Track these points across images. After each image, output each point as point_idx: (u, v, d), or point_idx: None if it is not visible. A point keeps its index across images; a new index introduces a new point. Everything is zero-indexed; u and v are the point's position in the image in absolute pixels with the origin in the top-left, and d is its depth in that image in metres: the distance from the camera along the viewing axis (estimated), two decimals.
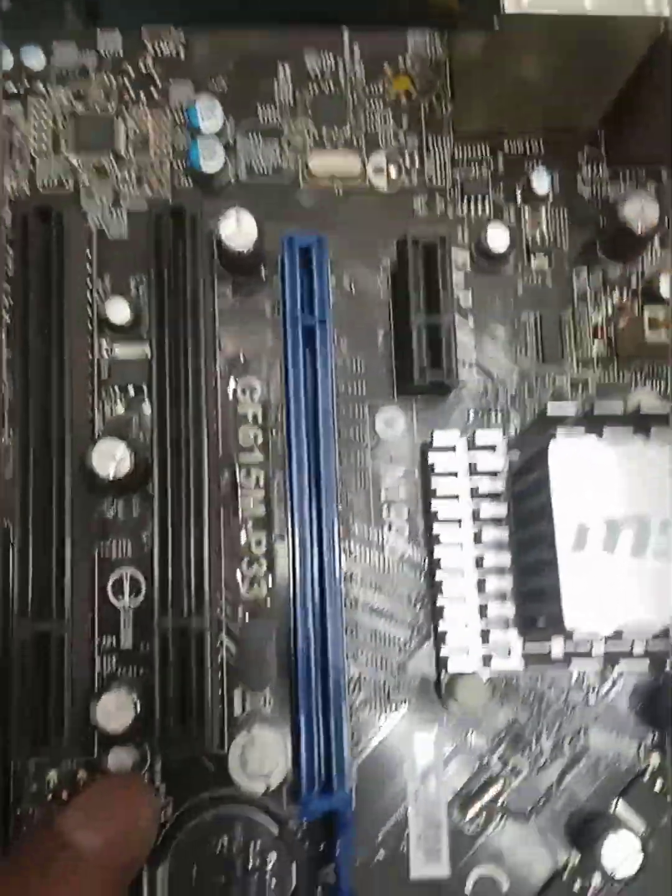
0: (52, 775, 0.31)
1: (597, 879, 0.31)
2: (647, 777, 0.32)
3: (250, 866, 0.30)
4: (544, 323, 0.35)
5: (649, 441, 0.27)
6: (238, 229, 0.32)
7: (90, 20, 0.38)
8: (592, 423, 0.27)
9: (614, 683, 0.33)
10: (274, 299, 0.35)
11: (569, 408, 0.28)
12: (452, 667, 0.31)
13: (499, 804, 0.32)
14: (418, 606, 0.33)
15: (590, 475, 0.27)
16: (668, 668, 0.32)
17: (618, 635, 0.27)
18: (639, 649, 0.30)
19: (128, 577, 0.33)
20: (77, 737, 0.30)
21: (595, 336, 0.35)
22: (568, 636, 0.26)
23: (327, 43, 0.36)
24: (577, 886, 0.31)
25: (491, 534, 0.31)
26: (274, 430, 0.34)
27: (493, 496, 0.32)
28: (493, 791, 0.32)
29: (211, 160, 0.34)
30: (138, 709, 0.30)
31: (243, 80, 0.36)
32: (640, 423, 0.28)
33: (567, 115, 0.36)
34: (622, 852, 0.30)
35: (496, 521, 0.32)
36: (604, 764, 0.32)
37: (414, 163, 0.36)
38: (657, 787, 0.32)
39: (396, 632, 0.33)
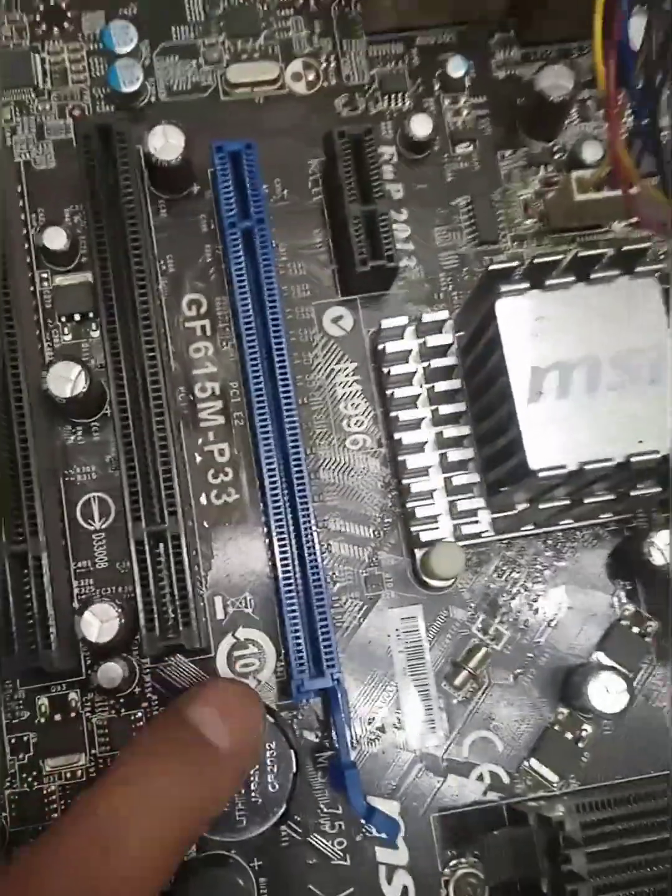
0: (44, 701, 0.32)
1: (588, 729, 0.33)
2: (624, 623, 0.33)
3: None
4: (476, 206, 0.36)
5: (590, 284, 0.28)
6: (165, 142, 0.33)
7: None
8: (533, 275, 0.28)
9: (582, 540, 0.34)
10: (209, 213, 0.35)
11: (509, 263, 0.29)
12: (425, 536, 0.32)
13: (484, 671, 0.33)
14: (386, 491, 0.34)
15: (537, 325, 0.28)
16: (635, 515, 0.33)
17: (581, 475, 0.28)
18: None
19: (96, 500, 0.33)
20: (66, 657, 0.30)
21: (526, 213, 0.36)
22: (534, 478, 0.27)
23: None
24: (569, 735, 0.32)
25: (447, 409, 0.32)
26: (224, 341, 0.34)
27: (446, 372, 0.32)
28: (476, 659, 0.33)
29: (130, 81, 0.34)
30: (122, 619, 0.30)
31: (153, 3, 0.36)
32: (580, 268, 0.28)
33: (474, 4, 0.36)
34: (608, 692, 0.31)
35: (451, 394, 0.32)
36: (580, 619, 0.33)
37: (330, 65, 0.36)
38: (634, 632, 0.33)
39: (367, 518, 0.34)
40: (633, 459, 0.27)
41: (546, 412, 0.28)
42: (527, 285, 0.29)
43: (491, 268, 0.29)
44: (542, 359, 0.28)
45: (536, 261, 0.29)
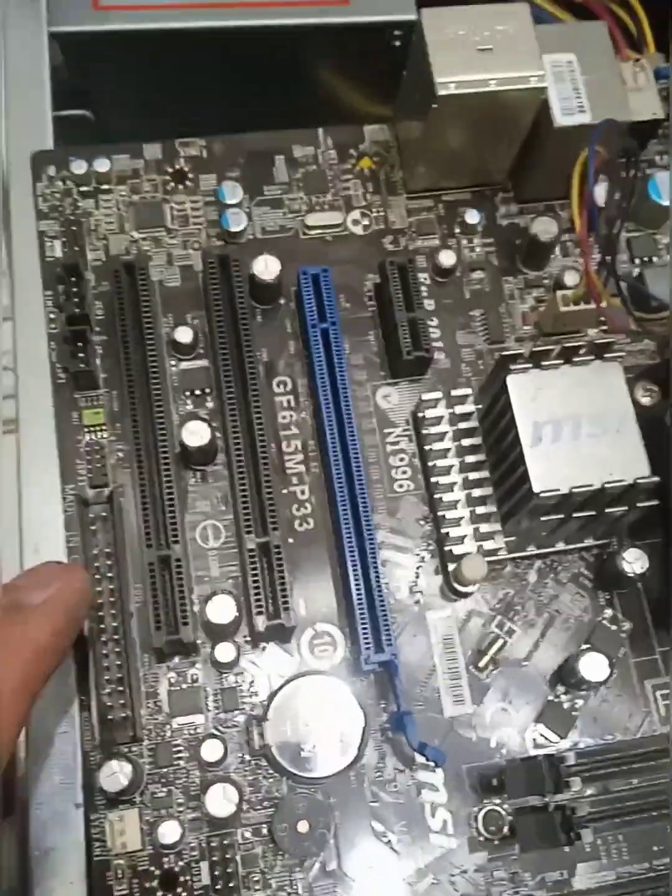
0: (171, 674, 0.41)
1: (580, 700, 0.43)
2: (605, 623, 0.44)
3: (331, 714, 0.41)
4: (488, 316, 0.49)
5: (574, 366, 0.41)
6: (266, 267, 0.45)
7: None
8: (533, 359, 0.41)
9: (572, 560, 0.45)
10: (291, 319, 0.48)
11: (517, 351, 0.41)
12: (458, 550, 0.43)
13: (501, 657, 0.43)
14: (423, 524, 0.45)
15: (537, 393, 0.40)
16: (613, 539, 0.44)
17: (570, 497, 0.39)
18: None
19: (210, 527, 0.44)
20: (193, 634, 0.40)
21: (524, 322, 0.49)
22: (537, 498, 0.39)
23: (308, 139, 0.51)
24: (566, 706, 0.43)
25: (470, 458, 0.44)
26: (303, 411, 0.46)
27: (469, 432, 0.44)
28: (495, 648, 0.43)
29: (237, 223, 0.48)
30: (237, 608, 0.40)
31: (251, 169, 0.50)
32: (567, 354, 0.41)
33: (485, 171, 0.50)
34: (595, 666, 0.41)
35: (473, 448, 0.44)
36: (572, 619, 0.44)
37: (380, 214, 0.50)
38: (613, 629, 0.44)
39: (411, 544, 0.45)
40: (607, 486, 0.39)
41: (544, 453, 0.40)
42: (529, 366, 0.41)
43: (504, 354, 0.41)
44: (540, 416, 0.40)
45: (535, 350, 0.41)
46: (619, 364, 0.41)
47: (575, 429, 0.40)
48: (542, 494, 0.39)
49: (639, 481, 0.39)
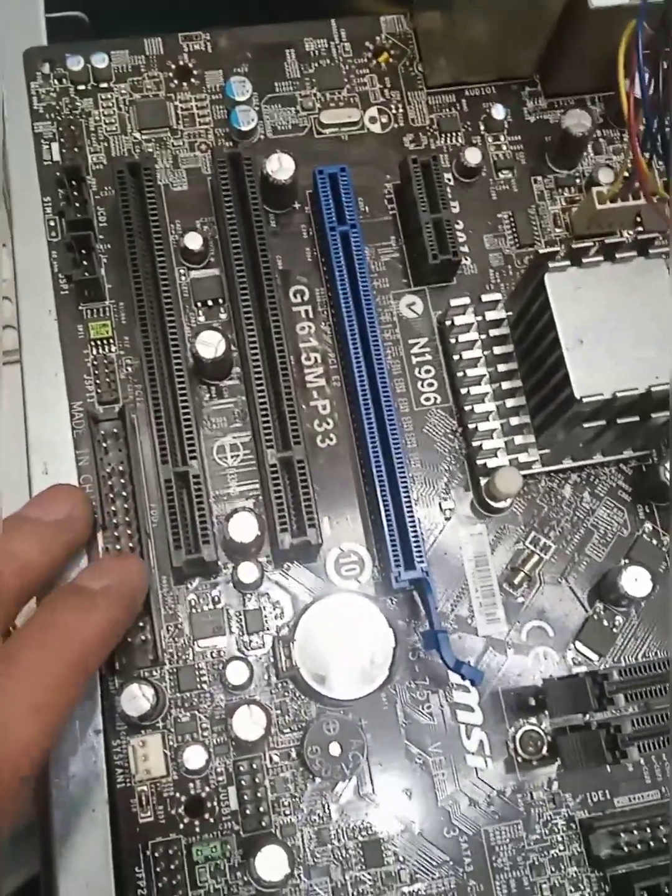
0: (192, 596, 0.39)
1: (619, 619, 0.41)
2: (645, 537, 0.42)
3: (359, 634, 0.39)
4: (516, 218, 0.45)
5: (615, 263, 0.38)
6: (280, 166, 0.42)
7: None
8: (572, 257, 0.38)
9: (610, 474, 0.43)
10: (308, 224, 0.45)
11: (554, 248, 0.38)
12: (489, 467, 0.41)
13: (536, 574, 0.41)
14: (453, 437, 0.43)
15: (576, 293, 0.37)
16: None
17: (613, 402, 0.37)
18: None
19: (228, 443, 0.42)
20: (215, 552, 0.38)
21: (555, 224, 0.46)
22: (579, 404, 0.36)
23: (321, 31, 0.47)
24: (605, 623, 0.41)
25: (502, 367, 0.41)
26: (323, 322, 0.43)
27: (501, 339, 0.42)
28: (530, 565, 0.41)
29: (247, 122, 0.44)
30: (259, 525, 0.38)
31: (260, 64, 0.46)
32: (608, 252, 0.38)
33: (510, 65, 0.47)
34: (637, 581, 0.39)
35: (505, 357, 0.41)
36: (611, 534, 0.42)
37: (399, 111, 0.47)
38: (654, 543, 0.42)
39: (440, 457, 0.42)
40: (653, 390, 0.37)
41: (584, 357, 0.37)
42: (568, 264, 0.38)
43: (540, 252, 0.38)
44: (580, 318, 0.38)
45: (574, 246, 0.38)
46: (664, 260, 0.39)
47: (617, 330, 0.37)
48: (584, 399, 0.36)
49: None
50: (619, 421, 0.38)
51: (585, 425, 0.38)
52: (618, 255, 0.38)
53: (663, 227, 0.42)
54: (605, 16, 0.42)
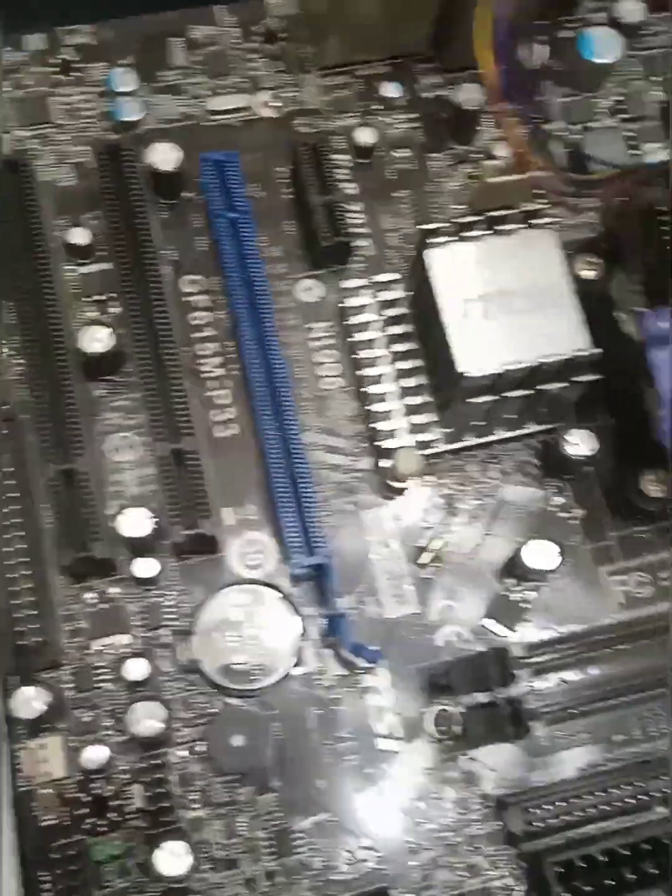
0: (89, 595, 0.39)
1: (533, 592, 0.41)
2: (553, 510, 0.41)
3: (263, 623, 0.38)
4: (414, 196, 0.45)
5: (499, 235, 0.37)
6: (164, 156, 0.42)
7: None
8: (455, 231, 0.37)
9: (515, 450, 0.42)
10: (201, 213, 0.44)
11: (436, 224, 0.38)
12: (392, 445, 0.40)
13: (444, 553, 0.41)
14: (355, 421, 0.42)
15: (460, 267, 0.37)
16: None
17: (503, 376, 0.36)
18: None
19: (121, 438, 0.41)
20: (107, 550, 0.38)
21: (457, 202, 0.45)
22: (464, 380, 0.36)
23: (206, 18, 0.47)
24: (516, 598, 0.40)
25: (400, 347, 0.41)
26: (218, 311, 0.43)
27: (398, 319, 0.41)
28: (437, 544, 0.41)
29: (131, 112, 0.44)
30: (154, 520, 0.38)
31: (146, 55, 0.46)
32: (494, 225, 0.38)
33: (401, 41, 0.46)
34: (542, 555, 0.39)
35: (403, 337, 0.41)
36: (519, 512, 0.42)
37: (291, 95, 0.46)
38: (562, 516, 0.41)
39: (342, 443, 0.42)
40: (543, 362, 0.36)
41: (472, 331, 0.37)
42: (451, 239, 0.38)
43: (422, 228, 0.38)
44: (466, 292, 0.37)
45: (455, 220, 0.38)
46: (552, 231, 0.38)
47: (506, 304, 0.37)
48: (467, 375, 0.36)
49: (577, 355, 0.36)
50: (508, 395, 0.37)
51: (477, 400, 0.37)
52: (502, 227, 0.38)
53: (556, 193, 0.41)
54: None
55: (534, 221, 0.38)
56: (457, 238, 0.38)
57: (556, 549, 0.39)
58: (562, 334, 0.37)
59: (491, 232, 0.38)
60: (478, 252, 0.38)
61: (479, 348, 0.36)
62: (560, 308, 0.38)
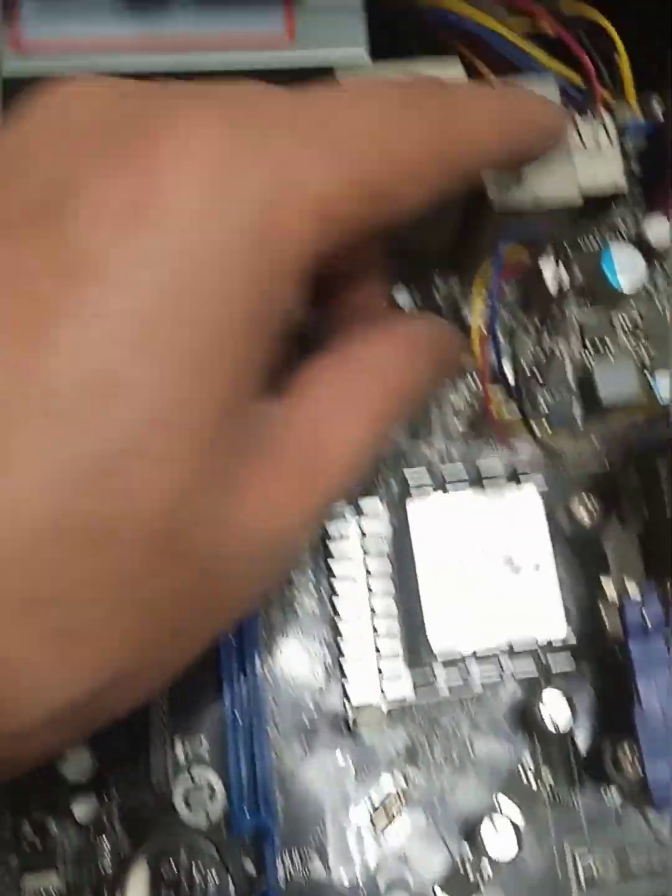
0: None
1: (488, 869, 0.38)
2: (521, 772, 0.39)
3: (195, 882, 0.36)
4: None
5: (485, 493, 0.36)
6: None
7: None
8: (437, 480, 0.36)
9: (491, 700, 0.40)
10: None
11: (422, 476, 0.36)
12: (355, 699, 0.38)
13: (401, 811, 0.38)
14: (326, 652, 0.40)
15: (441, 524, 0.35)
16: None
17: (478, 656, 0.34)
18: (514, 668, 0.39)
19: None
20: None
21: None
22: (436, 659, 0.34)
23: None
24: (472, 879, 0.38)
25: (379, 585, 0.39)
26: None
27: (379, 554, 0.39)
28: (397, 803, 0.38)
29: None
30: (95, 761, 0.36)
31: None
32: (479, 481, 0.36)
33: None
34: (500, 834, 0.36)
35: (382, 575, 0.39)
36: (486, 766, 0.39)
37: None
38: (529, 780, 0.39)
39: (309, 677, 0.40)
40: (513, 646, 0.34)
41: (446, 598, 0.35)
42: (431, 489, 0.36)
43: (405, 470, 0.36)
44: (443, 550, 0.35)
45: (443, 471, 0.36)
46: (535, 488, 0.36)
47: (484, 567, 0.35)
48: (440, 654, 0.34)
49: (552, 643, 0.34)
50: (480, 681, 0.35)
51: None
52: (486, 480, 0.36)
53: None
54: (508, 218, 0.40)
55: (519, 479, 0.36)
56: (437, 487, 0.36)
57: (515, 833, 0.36)
58: (540, 612, 0.35)
59: (472, 485, 0.36)
60: (460, 506, 0.36)
61: (453, 622, 0.35)
62: (542, 577, 0.36)
